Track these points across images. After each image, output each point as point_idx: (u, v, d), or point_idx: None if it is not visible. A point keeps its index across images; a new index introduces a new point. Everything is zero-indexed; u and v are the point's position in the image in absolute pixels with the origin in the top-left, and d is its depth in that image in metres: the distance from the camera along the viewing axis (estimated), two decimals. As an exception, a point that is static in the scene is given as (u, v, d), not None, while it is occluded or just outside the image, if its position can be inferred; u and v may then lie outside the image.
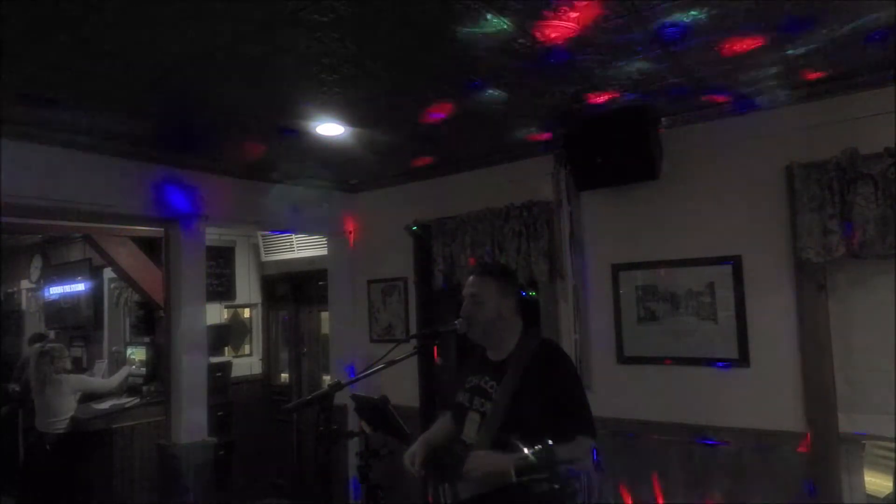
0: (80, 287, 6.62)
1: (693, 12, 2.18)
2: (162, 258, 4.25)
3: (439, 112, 3.20)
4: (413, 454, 2.38)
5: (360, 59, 2.46)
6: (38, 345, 5.58)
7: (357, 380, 2.45)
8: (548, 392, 2.17)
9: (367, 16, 2.12)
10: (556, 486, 1.90)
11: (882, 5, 2.19)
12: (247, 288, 6.48)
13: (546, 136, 3.69)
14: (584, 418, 2.19)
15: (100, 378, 5.87)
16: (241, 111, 3.09)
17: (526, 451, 1.90)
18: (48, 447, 5.00)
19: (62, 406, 5.06)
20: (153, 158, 3.77)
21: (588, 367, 3.70)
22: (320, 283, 5.59)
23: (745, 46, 2.50)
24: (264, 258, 6.50)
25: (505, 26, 2.23)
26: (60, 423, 5.02)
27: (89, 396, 5.43)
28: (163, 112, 3.07)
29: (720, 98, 3.15)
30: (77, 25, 2.12)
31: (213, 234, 5.65)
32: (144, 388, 5.48)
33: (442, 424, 2.57)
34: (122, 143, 3.55)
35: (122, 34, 2.20)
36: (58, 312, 7.03)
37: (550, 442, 1.89)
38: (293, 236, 6.06)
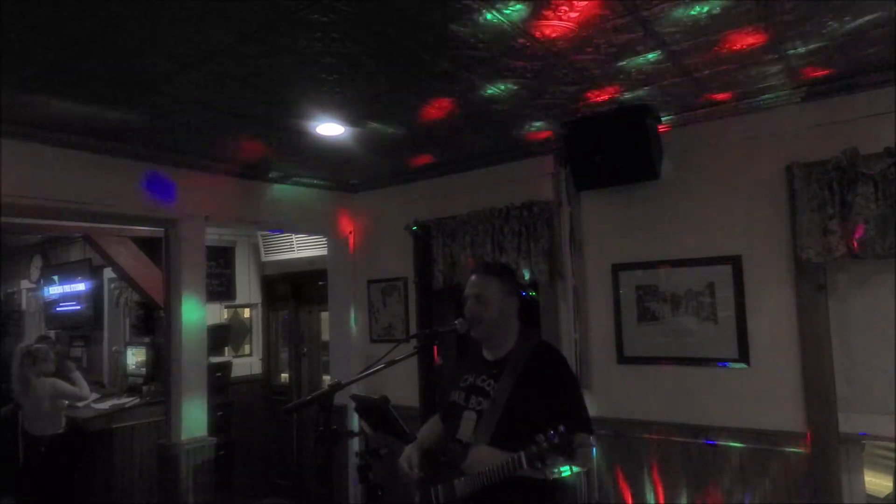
0: (80, 287, 6.61)
1: (693, 12, 2.18)
2: (162, 258, 4.26)
3: (439, 112, 3.20)
4: (408, 457, 2.39)
5: (359, 58, 2.46)
6: (21, 346, 5.36)
7: (357, 380, 2.45)
8: (547, 390, 2.20)
9: (366, 16, 2.12)
10: (572, 473, 1.92)
11: (882, 5, 2.19)
12: (247, 288, 6.48)
13: (546, 135, 3.69)
14: (583, 416, 2.23)
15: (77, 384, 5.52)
16: (241, 111, 3.09)
17: (540, 437, 1.90)
18: (42, 449, 4.91)
19: (46, 409, 4.88)
20: (153, 158, 3.77)
21: (588, 367, 3.70)
22: (320, 283, 5.60)
23: (745, 46, 2.49)
24: (264, 258, 6.51)
25: (504, 26, 2.23)
26: (49, 427, 4.89)
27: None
28: (163, 112, 3.07)
29: (720, 98, 3.15)
30: (77, 25, 2.12)
31: (213, 234, 5.64)
32: (144, 388, 5.47)
33: (431, 427, 2.58)
34: (122, 144, 3.55)
35: (123, 34, 2.20)
36: (58, 312, 7.02)
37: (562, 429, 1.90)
38: (293, 236, 6.06)
